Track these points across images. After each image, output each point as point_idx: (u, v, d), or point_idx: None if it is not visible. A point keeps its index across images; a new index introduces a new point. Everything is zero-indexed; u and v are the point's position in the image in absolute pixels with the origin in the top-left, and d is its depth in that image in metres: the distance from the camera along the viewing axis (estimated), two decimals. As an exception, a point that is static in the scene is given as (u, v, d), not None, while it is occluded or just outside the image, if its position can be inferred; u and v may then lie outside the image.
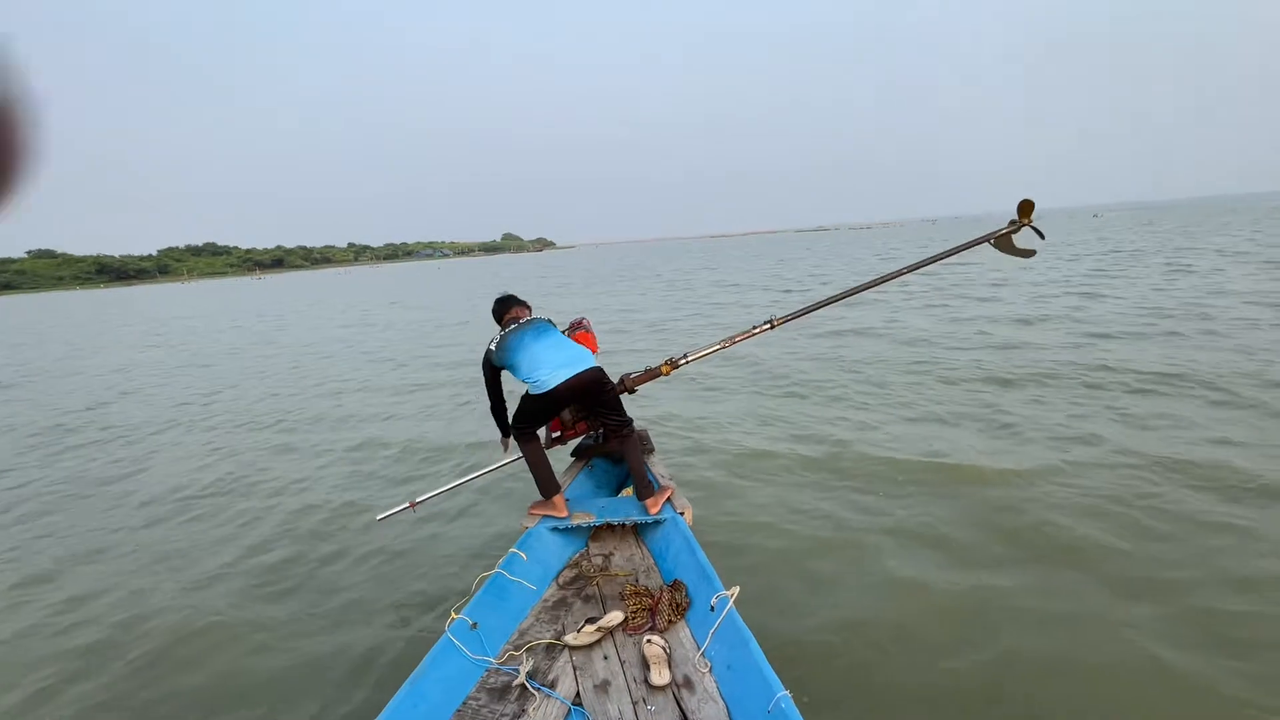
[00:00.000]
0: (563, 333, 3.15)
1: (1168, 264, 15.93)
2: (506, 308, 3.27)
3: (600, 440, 3.63)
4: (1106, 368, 6.41)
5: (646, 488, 2.97)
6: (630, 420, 3.07)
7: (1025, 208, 3.20)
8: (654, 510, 2.92)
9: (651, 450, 3.48)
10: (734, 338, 3.45)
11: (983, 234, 3.39)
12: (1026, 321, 9.57)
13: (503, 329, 3.07)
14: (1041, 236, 3.44)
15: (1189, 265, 15.28)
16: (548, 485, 2.98)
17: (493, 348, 3.01)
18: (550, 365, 2.85)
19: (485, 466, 3.44)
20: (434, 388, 8.44)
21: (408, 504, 3.26)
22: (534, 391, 2.87)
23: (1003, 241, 3.33)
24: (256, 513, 4.61)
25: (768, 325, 3.40)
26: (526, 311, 3.29)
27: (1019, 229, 3.28)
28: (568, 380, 2.82)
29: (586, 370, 2.88)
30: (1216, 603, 2.72)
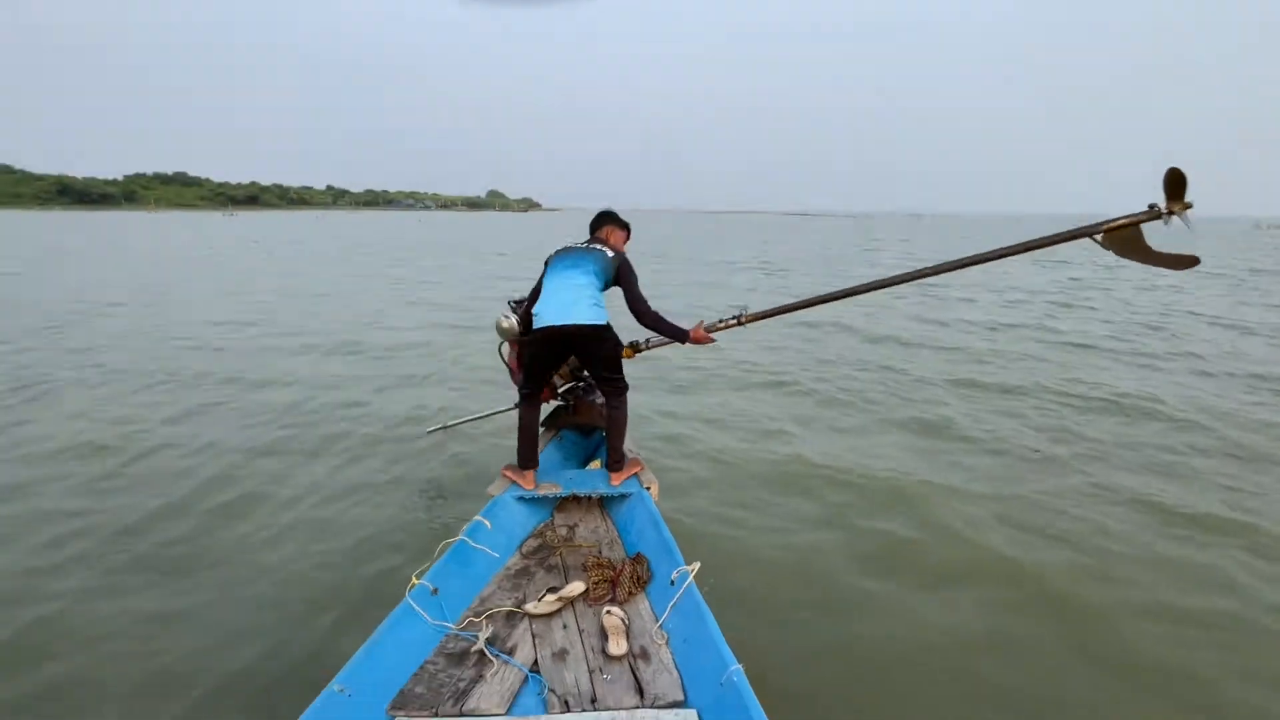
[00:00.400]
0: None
1: (1142, 279, 16.28)
2: (599, 224, 3.15)
3: (571, 410, 3.60)
4: (1079, 381, 6.52)
5: (619, 461, 2.97)
6: (626, 387, 2.98)
7: (1175, 182, 1.96)
8: (617, 482, 2.94)
9: None
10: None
11: (1098, 223, 2.20)
12: (1002, 326, 9.76)
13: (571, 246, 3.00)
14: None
15: (1154, 283, 15.65)
16: (527, 457, 2.94)
17: (552, 253, 2.97)
18: (551, 304, 2.76)
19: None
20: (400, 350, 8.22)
21: (441, 426, 3.70)
22: (533, 325, 2.83)
23: (1127, 239, 2.13)
24: (186, 468, 4.26)
25: (735, 321, 3.10)
26: (619, 236, 3.12)
27: (1165, 217, 2.04)
28: (556, 326, 2.72)
29: (580, 325, 2.71)
30: (1155, 635, 2.77)
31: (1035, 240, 2.52)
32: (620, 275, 2.90)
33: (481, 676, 1.94)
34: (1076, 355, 7.78)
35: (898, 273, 2.98)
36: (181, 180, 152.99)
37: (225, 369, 6.87)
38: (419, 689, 1.87)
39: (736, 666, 1.76)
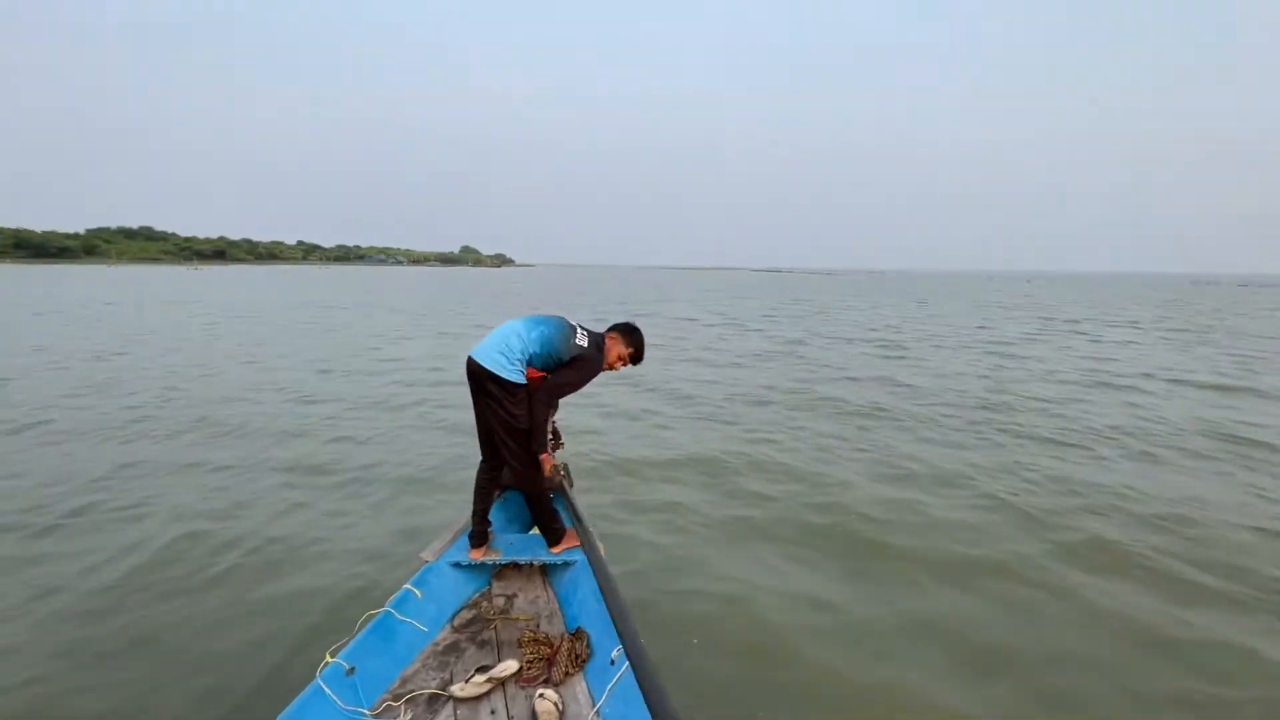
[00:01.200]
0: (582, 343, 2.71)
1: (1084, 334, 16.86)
2: (611, 329, 2.92)
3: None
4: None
5: (552, 534, 2.80)
6: (534, 458, 2.69)
7: None
8: (555, 551, 2.78)
9: (570, 484, 3.32)
10: None
11: None
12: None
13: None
14: None
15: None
16: (477, 532, 2.77)
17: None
18: (481, 342, 2.67)
19: None
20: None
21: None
22: None
23: None
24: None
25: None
26: (617, 345, 2.85)
27: None
28: (469, 358, 2.64)
29: (483, 367, 2.58)
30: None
31: None
32: (569, 360, 2.67)
33: (394, 772, 1.75)
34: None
35: None
36: (146, 234, 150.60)
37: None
38: None
39: None
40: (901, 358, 12.03)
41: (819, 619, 3.12)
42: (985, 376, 9.88)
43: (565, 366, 2.67)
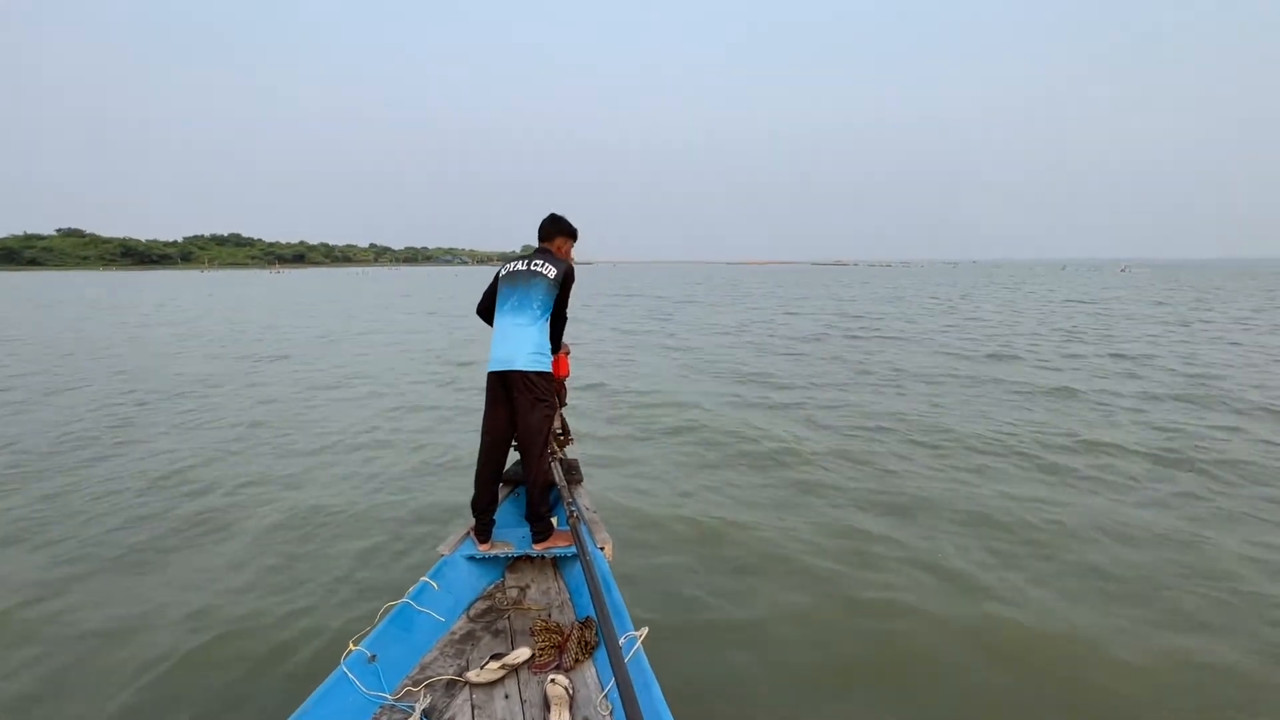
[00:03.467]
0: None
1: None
2: (550, 234, 2.99)
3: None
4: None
5: (543, 530, 2.84)
6: (542, 456, 2.82)
7: None
8: (538, 548, 2.84)
9: (579, 480, 3.38)
10: None
11: None
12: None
13: (520, 259, 2.91)
14: None
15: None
16: (482, 528, 2.86)
17: (501, 270, 2.93)
18: (497, 349, 2.76)
19: None
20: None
21: None
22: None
23: None
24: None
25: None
26: (567, 246, 3.00)
27: None
28: (497, 372, 2.75)
29: (514, 370, 2.70)
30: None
31: None
32: (563, 287, 2.87)
33: (414, 752, 1.85)
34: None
35: None
36: (235, 241, 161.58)
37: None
38: None
39: None
40: None
41: None
42: None
43: (562, 292, 2.87)
